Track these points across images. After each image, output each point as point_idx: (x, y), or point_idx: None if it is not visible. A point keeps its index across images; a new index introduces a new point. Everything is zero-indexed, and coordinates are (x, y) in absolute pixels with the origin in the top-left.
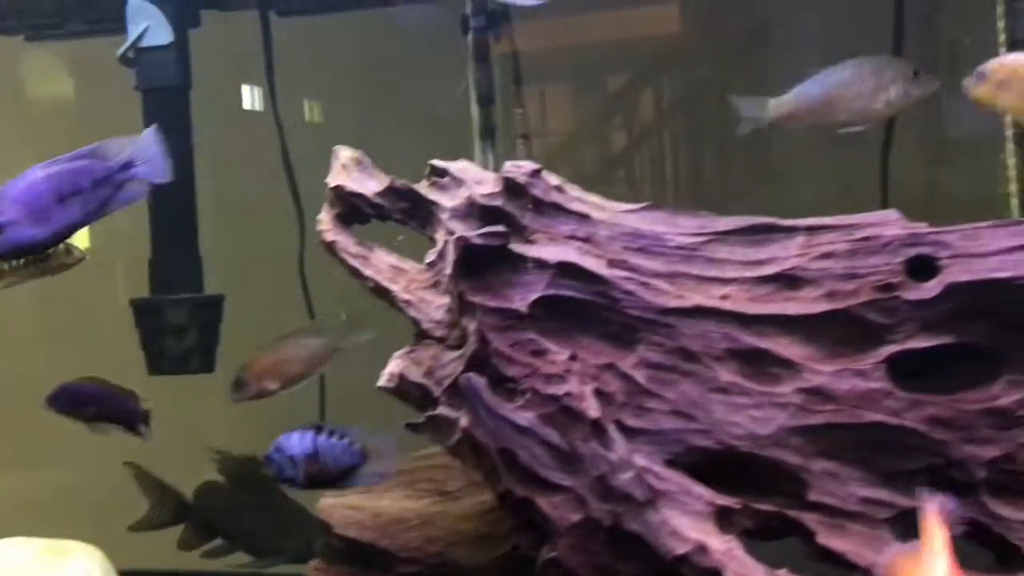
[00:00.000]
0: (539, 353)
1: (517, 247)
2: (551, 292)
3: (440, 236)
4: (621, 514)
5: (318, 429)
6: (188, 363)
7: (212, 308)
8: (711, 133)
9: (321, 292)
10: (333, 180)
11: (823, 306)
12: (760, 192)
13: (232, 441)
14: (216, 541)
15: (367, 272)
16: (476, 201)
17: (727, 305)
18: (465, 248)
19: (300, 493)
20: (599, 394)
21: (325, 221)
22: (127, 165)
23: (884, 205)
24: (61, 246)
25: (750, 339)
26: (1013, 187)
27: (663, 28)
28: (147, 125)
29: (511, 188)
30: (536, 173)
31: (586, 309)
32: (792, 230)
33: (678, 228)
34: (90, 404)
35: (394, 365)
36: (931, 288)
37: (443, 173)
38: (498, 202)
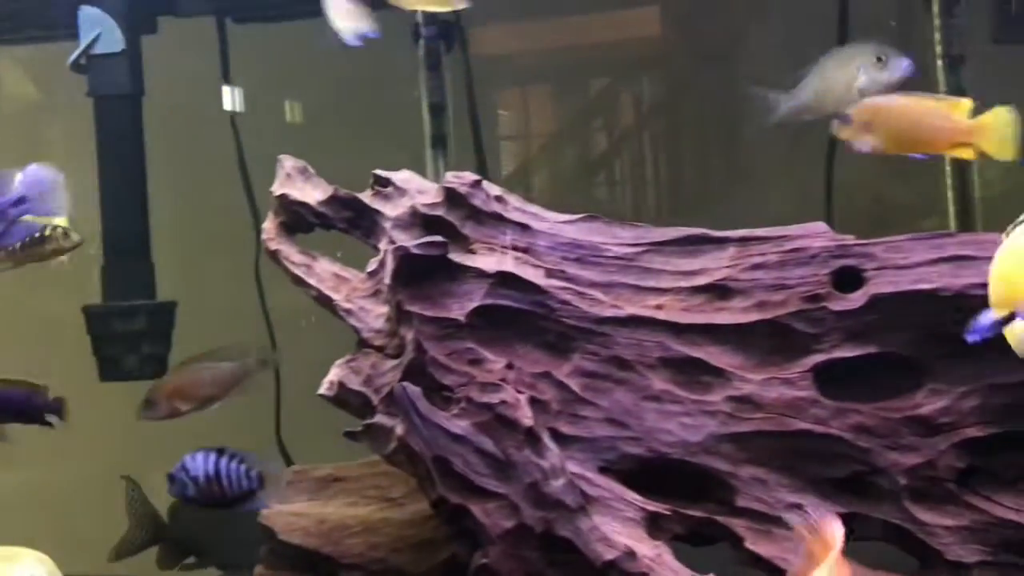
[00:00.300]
0: (476, 362)
1: (456, 257)
2: (489, 302)
3: (383, 245)
4: (553, 520)
5: (220, 452)
6: (140, 370)
7: (164, 315)
8: (689, 136)
9: (277, 298)
10: (278, 189)
11: (753, 316)
12: (739, 195)
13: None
14: (190, 559)
15: (310, 280)
16: (418, 211)
17: (661, 315)
18: (403, 258)
19: None
20: (535, 402)
21: (269, 230)
22: (19, 201)
23: (828, 211)
24: (59, 229)
25: (682, 348)
26: (950, 194)
27: (642, 31)
28: (99, 132)
29: (452, 198)
30: (477, 184)
31: (524, 318)
32: (724, 241)
33: (616, 238)
34: None
35: (334, 373)
36: (856, 299)
37: (386, 183)
38: (439, 212)
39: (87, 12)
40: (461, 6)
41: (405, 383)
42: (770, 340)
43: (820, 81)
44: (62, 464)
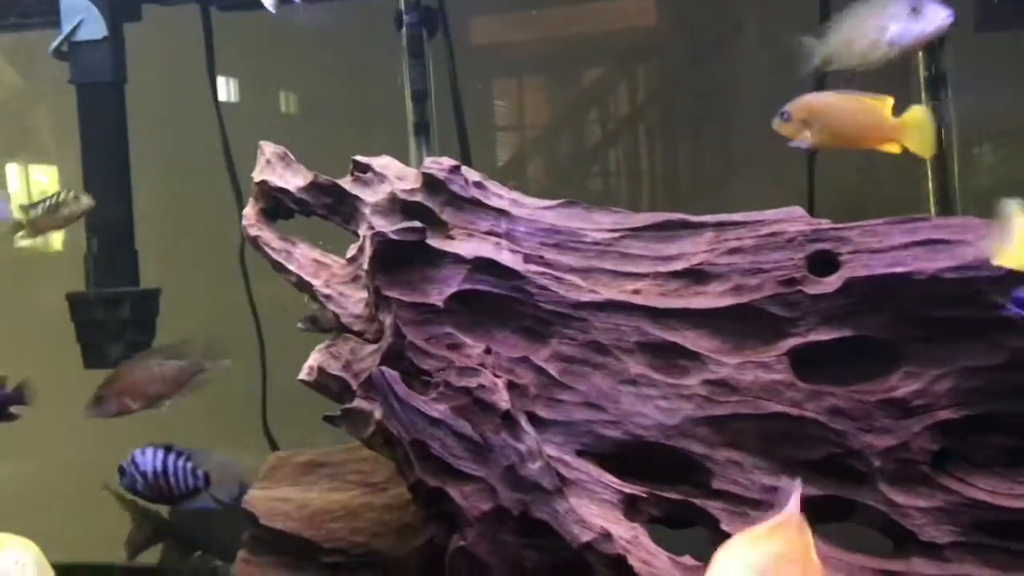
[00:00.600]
0: (454, 347)
1: (435, 242)
2: (467, 287)
3: (363, 231)
4: (530, 503)
5: (167, 449)
6: (125, 357)
7: (148, 302)
8: (684, 126)
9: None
10: (258, 175)
11: (729, 300)
12: (735, 185)
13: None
14: (196, 553)
15: (290, 266)
16: (397, 197)
17: (638, 299)
18: (382, 243)
19: None
20: (512, 386)
21: (249, 216)
22: None
23: (810, 198)
24: (71, 194)
25: (659, 332)
26: (930, 185)
27: (637, 21)
28: (82, 119)
29: (430, 184)
30: (455, 169)
31: (502, 303)
32: (701, 226)
33: (594, 224)
34: None
35: (313, 359)
36: (831, 283)
37: (366, 169)
38: (418, 197)
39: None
40: None
41: (383, 367)
42: (746, 324)
43: (850, 29)
44: (50, 452)
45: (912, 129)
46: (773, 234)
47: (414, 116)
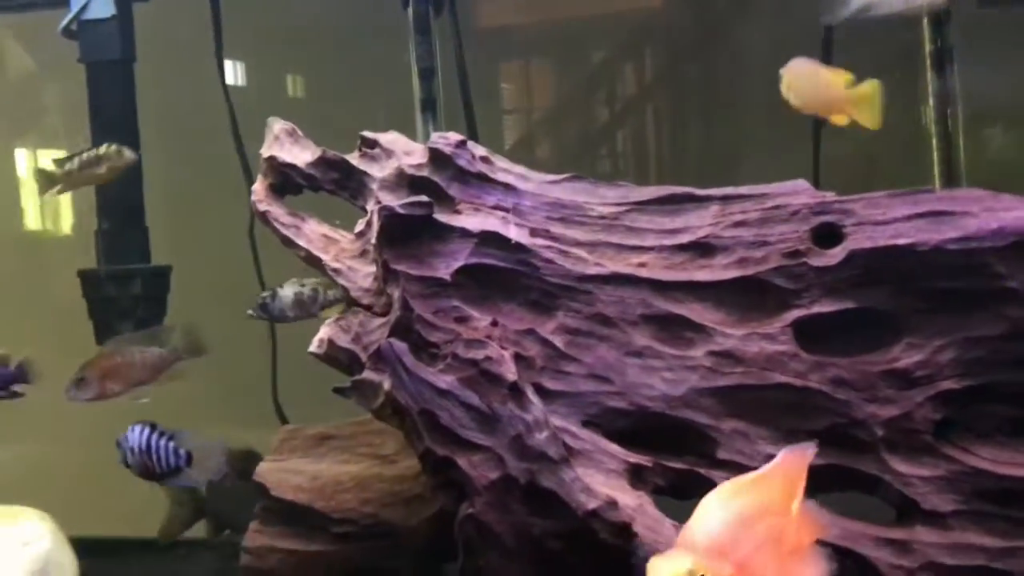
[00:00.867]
0: (461, 320)
1: (442, 217)
2: (474, 261)
3: (371, 206)
4: (536, 472)
5: (152, 428)
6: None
7: (159, 279)
8: (691, 106)
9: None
10: (266, 151)
11: (734, 272)
12: (743, 165)
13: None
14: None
15: (299, 241)
16: (404, 172)
17: (644, 272)
18: (389, 218)
19: None
20: (519, 358)
21: (258, 191)
22: None
23: (816, 174)
24: (113, 148)
25: (664, 305)
26: (935, 156)
27: (645, 1)
28: (91, 97)
29: (437, 159)
30: (462, 144)
31: (508, 277)
32: (707, 199)
33: (600, 198)
34: None
35: (324, 332)
36: (835, 255)
37: (373, 144)
38: (425, 172)
39: None
40: None
41: (392, 339)
42: (751, 296)
43: None
44: (59, 428)
45: (862, 103)
46: (778, 207)
47: (421, 93)
